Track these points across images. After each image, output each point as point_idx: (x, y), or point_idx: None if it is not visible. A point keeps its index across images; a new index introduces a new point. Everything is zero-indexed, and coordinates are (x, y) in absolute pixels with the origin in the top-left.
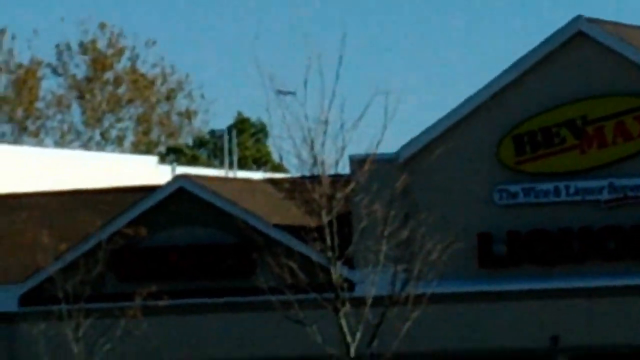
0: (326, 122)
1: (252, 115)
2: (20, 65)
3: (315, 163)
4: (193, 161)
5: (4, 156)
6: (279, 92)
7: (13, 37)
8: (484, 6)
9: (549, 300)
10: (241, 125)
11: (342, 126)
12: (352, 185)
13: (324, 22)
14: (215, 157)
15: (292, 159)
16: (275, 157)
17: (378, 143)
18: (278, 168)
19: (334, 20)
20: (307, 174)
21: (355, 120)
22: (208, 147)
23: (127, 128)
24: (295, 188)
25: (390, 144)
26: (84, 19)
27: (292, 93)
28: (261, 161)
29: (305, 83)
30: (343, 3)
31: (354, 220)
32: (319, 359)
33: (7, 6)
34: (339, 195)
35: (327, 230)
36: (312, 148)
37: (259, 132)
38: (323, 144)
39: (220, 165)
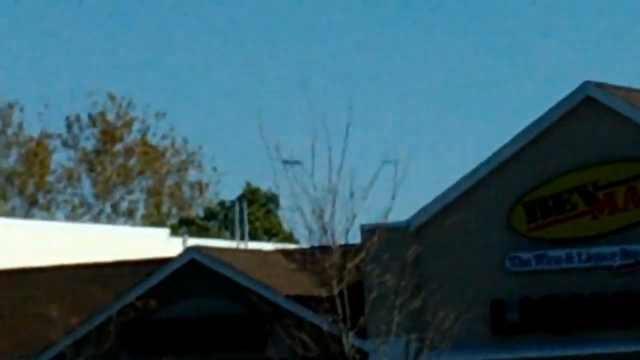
0: (335, 192)
1: (262, 185)
2: (30, 138)
3: (325, 233)
4: (204, 233)
5: (15, 230)
6: (285, 162)
7: (22, 110)
8: (492, 72)
9: None
10: (251, 195)
11: (351, 195)
12: (362, 255)
13: (331, 91)
14: (226, 228)
15: (301, 229)
16: (286, 227)
17: (388, 212)
18: (289, 239)
19: (340, 89)
20: (317, 244)
21: (364, 189)
22: (219, 218)
23: (138, 200)
24: (306, 259)
25: (401, 213)
26: (93, 91)
27: (298, 163)
28: (272, 232)
29: (313, 152)
30: (349, 72)
31: (365, 290)
32: None
33: (17, 79)
34: (349, 265)
35: (338, 301)
36: (321, 218)
37: (269, 202)
38: (332, 214)
39: (232, 236)
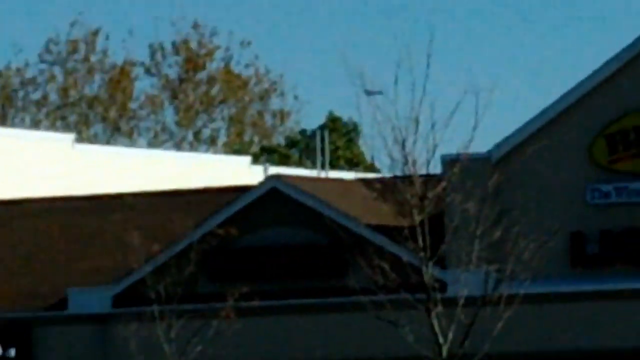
0: (417, 121)
1: (344, 114)
2: (114, 66)
3: (406, 163)
4: (285, 161)
5: (97, 156)
6: (367, 92)
7: (107, 38)
8: (575, 1)
9: None
10: (333, 125)
11: (433, 125)
12: (443, 185)
13: (413, 20)
14: (307, 157)
15: (383, 158)
16: (367, 157)
17: (469, 142)
18: (370, 168)
19: (422, 17)
20: (399, 173)
21: (446, 119)
22: (300, 147)
23: (220, 128)
24: (387, 188)
25: (482, 143)
26: (178, 19)
27: (380, 93)
28: (353, 161)
29: (396, 81)
30: (431, 2)
31: (446, 220)
32: None
33: (101, 6)
34: (430, 195)
35: (419, 231)
36: (403, 147)
37: (351, 132)
38: (414, 143)
39: (313, 165)
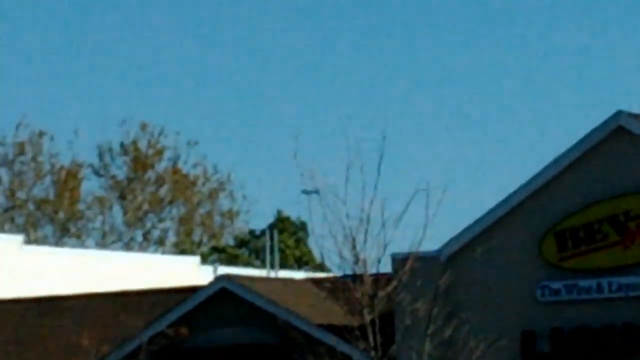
0: (367, 221)
1: (293, 214)
2: (61, 167)
3: (357, 262)
4: (235, 261)
5: (46, 258)
6: (305, 191)
7: (52, 139)
8: (521, 104)
9: None
10: (282, 224)
11: (383, 224)
12: (394, 284)
13: (365, 120)
14: (257, 256)
15: (333, 257)
16: (317, 256)
17: (420, 241)
18: (320, 267)
19: (374, 118)
20: (349, 272)
21: (396, 219)
22: (250, 247)
23: (169, 228)
24: (338, 287)
25: (433, 242)
26: (125, 120)
27: (317, 192)
28: (302, 260)
29: (346, 181)
30: (383, 101)
31: (396, 319)
32: None
33: (48, 108)
34: (381, 294)
35: (369, 330)
36: (353, 247)
37: (300, 231)
38: (365, 243)
39: (262, 264)
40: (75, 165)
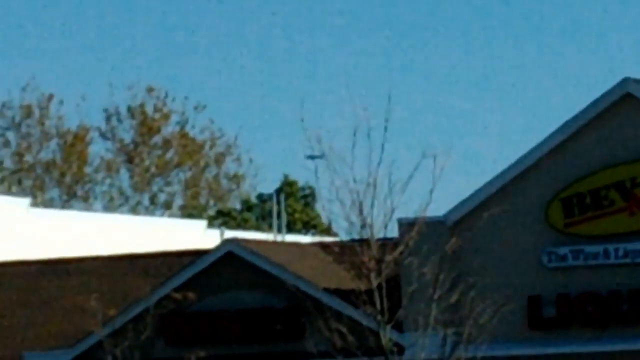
0: (374, 185)
1: (300, 178)
2: (68, 131)
3: (364, 226)
4: (241, 225)
5: (53, 221)
6: (310, 156)
7: (61, 103)
8: (530, 69)
9: None
10: (289, 188)
11: (390, 189)
12: (400, 249)
13: (371, 84)
14: (263, 220)
15: (341, 222)
16: (323, 220)
17: (426, 206)
18: (327, 231)
19: (381, 82)
20: (356, 237)
21: (403, 183)
22: (256, 211)
23: (176, 192)
24: (344, 252)
25: (439, 206)
26: (132, 84)
27: (321, 157)
28: (309, 225)
29: (353, 146)
30: (390, 66)
31: (403, 283)
32: None
33: (55, 72)
34: (387, 258)
35: (376, 294)
36: (360, 211)
37: (307, 196)
38: (372, 207)
39: (269, 228)
40: (82, 129)
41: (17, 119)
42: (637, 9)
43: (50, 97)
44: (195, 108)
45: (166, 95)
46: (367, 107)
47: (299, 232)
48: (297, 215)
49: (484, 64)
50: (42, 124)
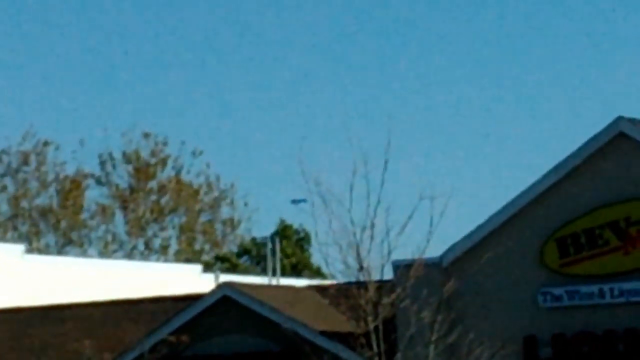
0: (372, 228)
1: (295, 222)
2: (65, 177)
3: (361, 269)
4: (236, 269)
5: (49, 267)
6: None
7: (57, 148)
8: (524, 110)
9: None
10: (284, 232)
11: (387, 232)
12: (398, 291)
13: (370, 127)
14: (257, 264)
15: (337, 264)
16: (316, 263)
17: (424, 249)
18: (318, 274)
19: (379, 125)
20: (353, 280)
21: (401, 226)
22: (251, 255)
23: (171, 237)
24: (340, 294)
25: (436, 249)
26: (127, 129)
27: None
28: (299, 268)
29: (351, 188)
30: (389, 108)
31: (400, 326)
32: None
33: (52, 118)
34: (384, 300)
35: (373, 337)
36: (358, 254)
37: (302, 239)
38: (369, 250)
39: (263, 272)
40: (79, 174)
41: (15, 165)
42: (629, 48)
43: (47, 143)
44: (193, 153)
45: (164, 141)
46: (365, 150)
47: (289, 275)
48: (293, 259)
49: (479, 106)
50: (39, 170)
